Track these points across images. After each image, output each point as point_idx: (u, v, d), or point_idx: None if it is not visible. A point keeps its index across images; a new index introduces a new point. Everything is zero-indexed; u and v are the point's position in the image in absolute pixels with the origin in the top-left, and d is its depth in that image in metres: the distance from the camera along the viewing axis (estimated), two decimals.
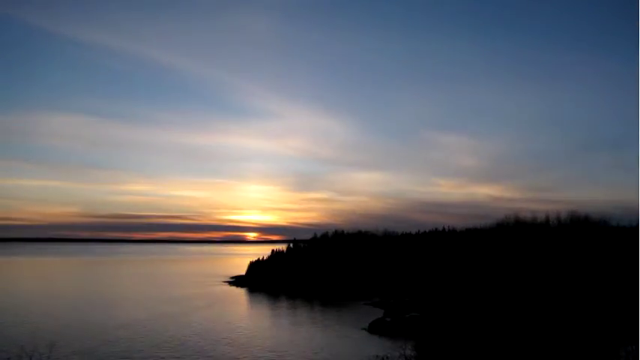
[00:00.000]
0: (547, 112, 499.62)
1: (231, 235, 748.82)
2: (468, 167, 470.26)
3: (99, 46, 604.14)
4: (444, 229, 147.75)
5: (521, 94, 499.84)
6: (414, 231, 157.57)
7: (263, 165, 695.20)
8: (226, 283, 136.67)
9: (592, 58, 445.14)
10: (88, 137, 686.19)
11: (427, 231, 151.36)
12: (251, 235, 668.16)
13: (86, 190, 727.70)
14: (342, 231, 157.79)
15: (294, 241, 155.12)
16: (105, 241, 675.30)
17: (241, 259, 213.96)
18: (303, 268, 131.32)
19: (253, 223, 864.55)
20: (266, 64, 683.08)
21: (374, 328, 68.81)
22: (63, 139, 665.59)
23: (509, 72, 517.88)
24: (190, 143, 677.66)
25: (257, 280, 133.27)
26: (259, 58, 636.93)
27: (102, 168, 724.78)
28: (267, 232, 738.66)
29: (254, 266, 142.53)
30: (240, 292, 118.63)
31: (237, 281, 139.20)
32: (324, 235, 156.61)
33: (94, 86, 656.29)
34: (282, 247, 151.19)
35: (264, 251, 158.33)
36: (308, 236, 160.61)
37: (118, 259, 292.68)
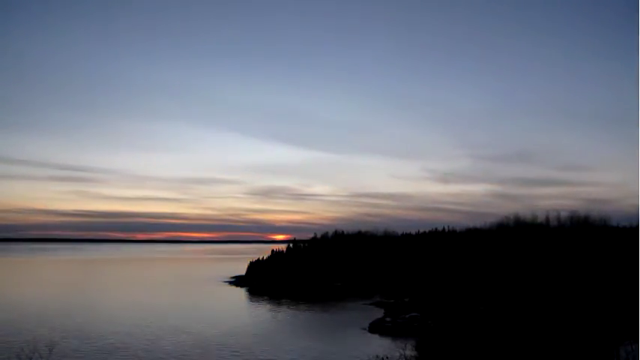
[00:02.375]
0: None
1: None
2: None
3: None
4: (444, 229, 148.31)
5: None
6: (414, 231, 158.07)
7: None
8: (226, 284, 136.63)
9: (592, 58, 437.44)
10: None
11: (427, 231, 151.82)
12: None
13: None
14: (342, 231, 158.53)
15: (294, 241, 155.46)
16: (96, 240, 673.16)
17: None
18: (303, 268, 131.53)
19: None
20: None
21: (374, 328, 68.85)
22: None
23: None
24: None
25: (257, 280, 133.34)
26: None
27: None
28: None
29: (254, 266, 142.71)
30: (240, 292, 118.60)
31: (237, 281, 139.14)
32: (324, 235, 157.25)
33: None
34: (282, 247, 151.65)
35: None
36: None
37: (110, 258, 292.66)
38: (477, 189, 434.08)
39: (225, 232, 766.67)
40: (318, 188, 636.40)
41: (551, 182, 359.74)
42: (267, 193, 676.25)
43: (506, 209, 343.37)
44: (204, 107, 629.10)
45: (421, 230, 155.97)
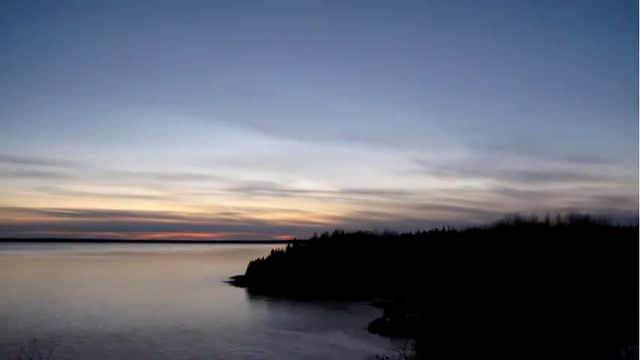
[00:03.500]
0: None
1: None
2: None
3: None
4: (444, 229, 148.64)
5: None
6: (414, 231, 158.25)
7: None
8: (226, 284, 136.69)
9: (592, 57, 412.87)
10: None
11: (427, 231, 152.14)
12: None
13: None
14: (342, 231, 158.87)
15: (294, 241, 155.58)
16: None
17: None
18: (304, 268, 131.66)
19: None
20: None
21: (374, 328, 68.89)
22: None
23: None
24: None
25: (257, 280, 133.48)
26: None
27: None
28: None
29: (254, 266, 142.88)
30: (240, 292, 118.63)
31: (237, 281, 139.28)
32: (324, 235, 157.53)
33: None
34: (282, 247, 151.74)
35: None
36: None
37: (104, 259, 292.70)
38: (478, 184, 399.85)
39: (211, 233, 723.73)
40: (304, 183, 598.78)
41: (561, 176, 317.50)
42: (249, 189, 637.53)
43: (512, 208, 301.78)
44: (175, 93, 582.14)
45: (421, 230, 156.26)
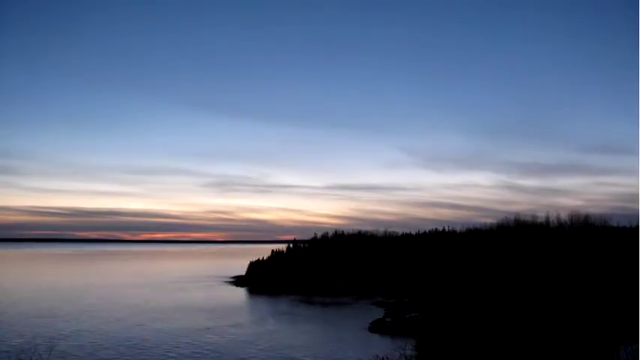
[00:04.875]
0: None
1: None
2: None
3: None
4: (444, 229, 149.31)
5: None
6: (414, 231, 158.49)
7: None
8: (226, 283, 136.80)
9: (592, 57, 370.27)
10: None
11: (427, 231, 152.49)
12: None
13: None
14: (342, 231, 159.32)
15: (294, 241, 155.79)
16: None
17: None
18: (304, 268, 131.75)
19: None
20: None
21: (374, 328, 68.93)
22: None
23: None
24: None
25: (257, 280, 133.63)
26: None
27: None
28: None
29: (254, 266, 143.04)
30: (240, 292, 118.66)
31: (237, 281, 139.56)
32: (324, 235, 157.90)
33: None
34: (282, 246, 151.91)
35: None
36: None
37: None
38: (479, 179, 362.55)
39: (183, 233, 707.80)
40: (286, 177, 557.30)
41: (575, 168, 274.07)
42: (226, 185, 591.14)
43: (519, 207, 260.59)
44: (145, 79, 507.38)
45: (421, 230, 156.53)
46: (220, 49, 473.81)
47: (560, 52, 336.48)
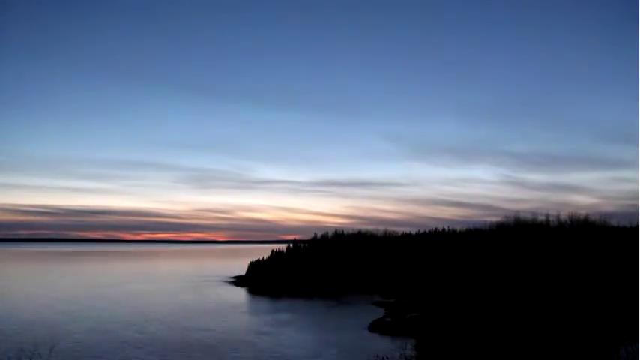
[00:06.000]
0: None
1: None
2: None
3: None
4: (444, 229, 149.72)
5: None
6: (416, 230, 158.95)
7: None
8: (226, 283, 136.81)
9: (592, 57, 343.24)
10: None
11: (427, 231, 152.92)
12: None
13: None
14: (342, 231, 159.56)
15: (294, 241, 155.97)
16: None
17: None
18: (304, 268, 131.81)
19: None
20: None
21: (374, 328, 68.91)
22: None
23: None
24: None
25: (257, 280, 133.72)
26: None
27: None
28: None
29: (254, 266, 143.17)
30: (241, 292, 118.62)
31: (237, 281, 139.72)
32: (324, 235, 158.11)
33: None
34: (282, 246, 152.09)
35: None
36: None
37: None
38: (480, 174, 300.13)
39: (168, 233, 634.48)
40: (266, 171, 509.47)
41: (588, 161, 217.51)
42: (203, 180, 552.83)
43: (526, 205, 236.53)
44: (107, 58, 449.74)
45: (421, 230, 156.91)
46: (191, 24, 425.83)
47: (574, 20, 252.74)
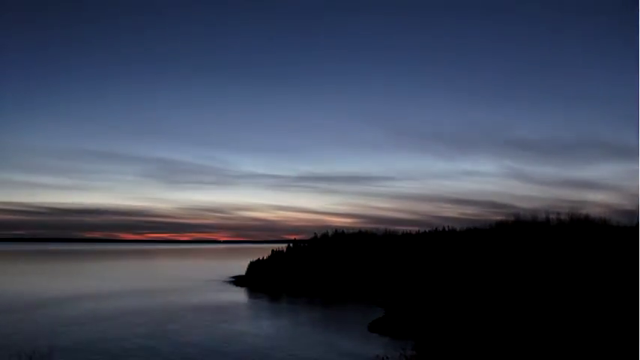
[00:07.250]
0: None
1: None
2: None
3: None
4: (444, 228, 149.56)
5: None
6: (414, 230, 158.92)
7: None
8: (226, 283, 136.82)
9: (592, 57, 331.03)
10: None
11: (427, 231, 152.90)
12: None
13: None
14: (342, 231, 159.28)
15: (294, 241, 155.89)
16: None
17: None
18: (304, 268, 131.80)
19: None
20: None
21: (374, 328, 68.82)
22: None
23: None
24: None
25: (257, 280, 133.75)
26: None
27: None
28: None
29: (254, 266, 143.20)
30: (241, 292, 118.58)
31: (237, 281, 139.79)
32: (325, 235, 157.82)
33: None
34: (283, 246, 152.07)
35: None
36: None
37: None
38: (483, 167, 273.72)
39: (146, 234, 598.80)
40: (245, 163, 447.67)
41: (606, 151, 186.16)
42: (173, 174, 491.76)
43: (534, 203, 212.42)
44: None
45: (421, 230, 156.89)
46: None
47: None
